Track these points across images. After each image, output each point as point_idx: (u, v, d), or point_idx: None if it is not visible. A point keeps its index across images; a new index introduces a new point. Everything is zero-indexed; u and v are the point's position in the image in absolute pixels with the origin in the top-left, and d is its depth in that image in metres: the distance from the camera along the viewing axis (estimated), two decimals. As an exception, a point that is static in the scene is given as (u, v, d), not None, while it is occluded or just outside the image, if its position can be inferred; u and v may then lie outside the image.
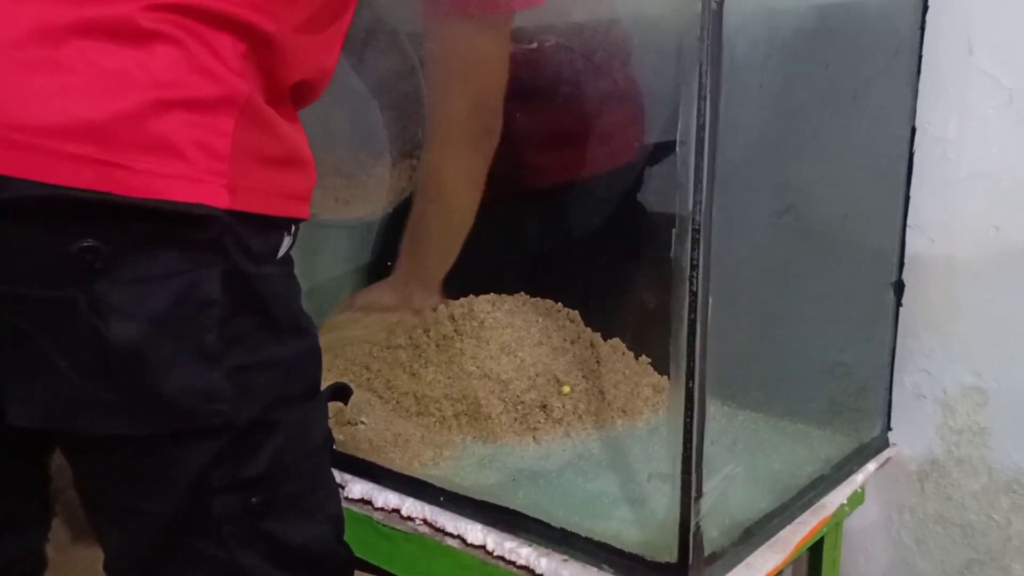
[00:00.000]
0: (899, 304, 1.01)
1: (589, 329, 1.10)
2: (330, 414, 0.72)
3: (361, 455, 0.95)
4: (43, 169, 0.54)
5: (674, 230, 0.70)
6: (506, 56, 0.96)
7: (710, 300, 0.71)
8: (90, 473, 0.66)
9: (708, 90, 0.66)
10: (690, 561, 0.75)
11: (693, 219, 0.69)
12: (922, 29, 0.95)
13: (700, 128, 0.67)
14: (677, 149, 0.69)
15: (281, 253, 0.65)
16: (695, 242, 0.69)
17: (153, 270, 0.57)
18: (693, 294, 0.70)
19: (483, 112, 0.98)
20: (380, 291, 1.12)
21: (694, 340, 0.71)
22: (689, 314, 0.71)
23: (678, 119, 0.68)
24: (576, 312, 1.13)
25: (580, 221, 1.15)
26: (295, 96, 0.68)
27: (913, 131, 0.97)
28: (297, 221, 0.66)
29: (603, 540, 0.79)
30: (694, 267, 0.70)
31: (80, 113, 0.54)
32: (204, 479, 0.62)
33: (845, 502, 0.94)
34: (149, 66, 0.56)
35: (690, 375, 0.72)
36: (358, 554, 0.74)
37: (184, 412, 0.59)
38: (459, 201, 1.03)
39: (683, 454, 0.73)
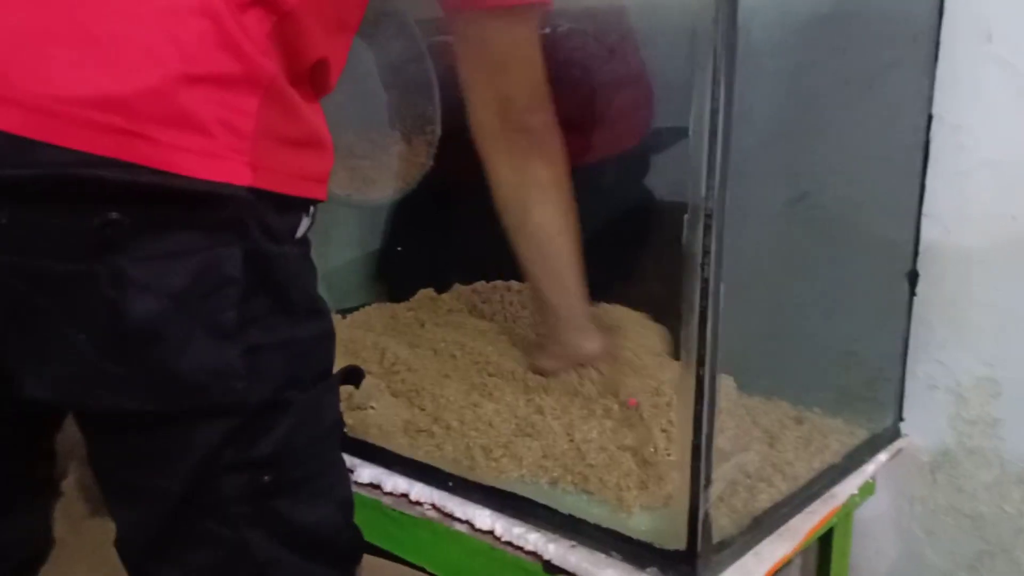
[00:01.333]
0: (913, 294, 1.01)
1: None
2: (340, 398, 0.72)
3: (370, 440, 0.95)
4: (65, 134, 0.53)
5: (686, 217, 0.70)
6: (533, 46, 0.88)
7: (722, 287, 0.70)
8: (103, 449, 0.66)
9: (722, 75, 0.66)
10: (699, 549, 0.74)
11: (706, 205, 0.68)
12: (940, 15, 0.94)
13: (714, 113, 0.66)
14: (690, 135, 0.68)
15: (299, 234, 0.65)
16: (707, 229, 0.69)
17: (174, 246, 0.57)
18: (705, 281, 0.70)
19: (514, 110, 0.88)
20: (541, 362, 1.01)
21: (705, 327, 0.70)
22: (701, 301, 0.70)
23: (690, 104, 0.68)
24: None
25: (588, 208, 1.14)
26: (314, 79, 0.67)
27: (930, 119, 0.96)
28: (315, 202, 0.66)
29: (611, 527, 0.79)
30: (706, 254, 0.69)
31: (106, 85, 0.54)
32: (215, 458, 0.62)
33: (856, 492, 0.94)
34: (179, 39, 0.56)
35: (700, 363, 0.71)
36: (366, 538, 0.74)
37: (198, 389, 0.60)
38: (540, 217, 0.92)
39: (693, 442, 0.73)
